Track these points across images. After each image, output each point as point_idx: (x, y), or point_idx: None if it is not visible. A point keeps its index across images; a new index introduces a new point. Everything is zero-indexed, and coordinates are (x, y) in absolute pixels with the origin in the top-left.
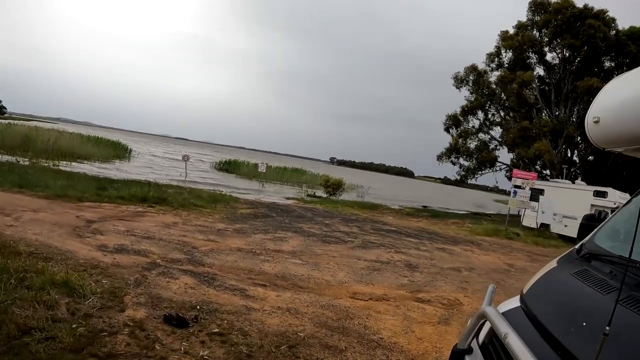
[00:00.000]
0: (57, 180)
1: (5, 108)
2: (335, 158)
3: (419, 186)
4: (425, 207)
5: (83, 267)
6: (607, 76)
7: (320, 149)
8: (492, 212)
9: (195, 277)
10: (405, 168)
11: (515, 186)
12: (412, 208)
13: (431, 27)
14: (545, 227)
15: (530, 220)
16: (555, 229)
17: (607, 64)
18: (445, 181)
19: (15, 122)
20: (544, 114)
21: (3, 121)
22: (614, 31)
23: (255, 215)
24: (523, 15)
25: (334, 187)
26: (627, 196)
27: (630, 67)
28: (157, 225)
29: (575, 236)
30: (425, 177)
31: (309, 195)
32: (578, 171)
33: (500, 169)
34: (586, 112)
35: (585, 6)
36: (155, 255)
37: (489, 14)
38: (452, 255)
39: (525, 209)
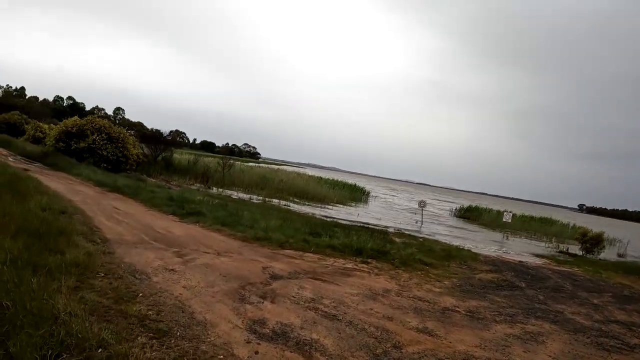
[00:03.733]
0: (271, 219)
1: (259, 154)
2: (584, 205)
3: None
4: None
5: None
6: None
7: (567, 194)
8: None
9: None
10: None
11: None
12: None
13: None
14: None
15: None
16: None
17: None
18: None
19: (264, 165)
20: None
21: (253, 164)
22: None
23: (497, 285)
24: None
25: (592, 242)
26: None
27: None
28: (360, 294)
29: None
30: None
31: (560, 252)
32: None
33: None
34: None
35: None
36: (323, 359)
37: None
38: None
39: None
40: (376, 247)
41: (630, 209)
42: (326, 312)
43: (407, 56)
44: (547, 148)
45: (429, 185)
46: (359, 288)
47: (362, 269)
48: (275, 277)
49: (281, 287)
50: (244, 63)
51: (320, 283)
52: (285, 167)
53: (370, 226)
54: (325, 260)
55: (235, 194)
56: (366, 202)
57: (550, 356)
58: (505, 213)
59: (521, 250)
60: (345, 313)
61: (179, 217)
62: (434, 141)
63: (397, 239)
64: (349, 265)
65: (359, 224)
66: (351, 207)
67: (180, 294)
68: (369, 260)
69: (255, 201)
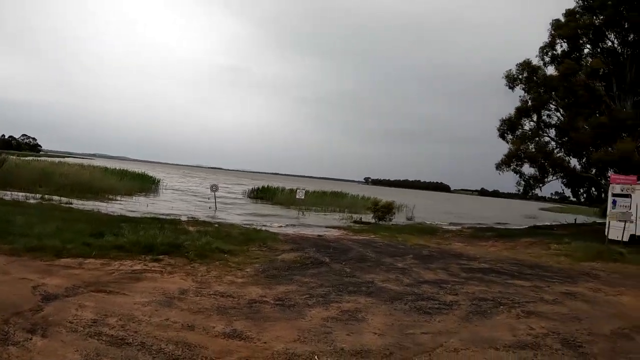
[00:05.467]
0: (48, 222)
1: (40, 146)
2: (369, 178)
3: (458, 200)
4: (483, 225)
5: None
6: None
7: (355, 170)
8: (554, 224)
9: None
10: (441, 182)
11: (615, 195)
12: (471, 228)
13: (470, 40)
14: (636, 238)
15: (617, 232)
16: None
17: None
18: (482, 193)
19: (45, 158)
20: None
21: (31, 158)
22: None
23: (302, 264)
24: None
25: (384, 210)
26: None
27: None
28: (152, 302)
29: None
30: (461, 190)
31: (355, 222)
32: None
33: (558, 177)
34: None
35: None
36: None
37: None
38: (590, 303)
39: (626, 221)
40: (168, 240)
41: (410, 179)
42: (112, 335)
43: (210, 42)
44: (344, 128)
45: (222, 169)
46: (151, 294)
47: (153, 268)
48: (48, 297)
49: (56, 310)
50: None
51: (104, 296)
52: (69, 160)
53: (161, 217)
54: (110, 264)
55: (8, 195)
56: (157, 191)
57: (375, 333)
58: (298, 190)
59: (319, 224)
60: (136, 332)
61: None
62: (232, 126)
63: (191, 228)
64: (138, 267)
65: (149, 216)
66: (141, 198)
67: None
68: (161, 257)
69: (32, 201)
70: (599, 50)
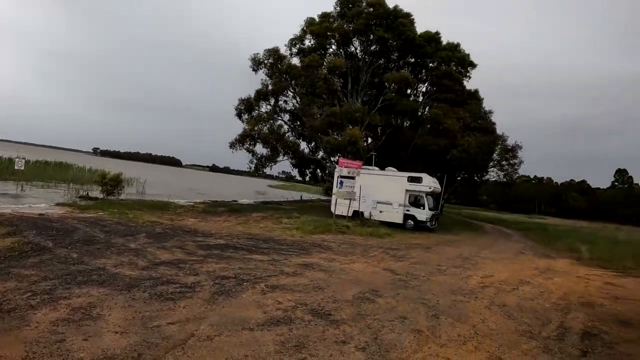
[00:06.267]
0: None
1: None
2: (98, 148)
3: (190, 175)
4: (216, 201)
5: None
6: (413, 70)
7: (83, 139)
8: (281, 200)
9: None
10: (173, 157)
11: (342, 176)
12: (203, 203)
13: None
14: (358, 214)
15: (342, 208)
16: (372, 215)
17: (410, 59)
18: (213, 169)
19: None
20: (344, 102)
21: None
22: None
23: (21, 252)
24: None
25: (112, 184)
26: (437, 181)
27: (426, 63)
28: None
29: (392, 221)
30: (193, 165)
31: (82, 197)
32: (376, 159)
33: (288, 158)
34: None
35: (396, 7)
36: None
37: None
38: (327, 272)
39: (351, 199)
40: None
41: (142, 152)
42: None
43: None
44: (69, 92)
45: None
46: None
47: None
48: None
49: None
50: None
51: None
52: None
53: None
54: None
55: None
56: None
57: (116, 332)
58: (17, 160)
59: (40, 200)
60: None
61: None
62: None
63: None
64: None
65: None
66: None
67: None
68: None
69: None
70: (343, 52)
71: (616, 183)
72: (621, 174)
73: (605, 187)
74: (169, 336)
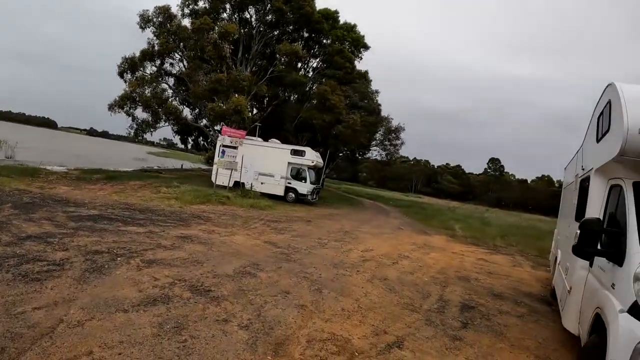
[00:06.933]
0: None
1: None
2: None
3: (66, 139)
4: (91, 168)
5: None
6: (307, 45)
7: None
8: (161, 168)
9: None
10: (48, 118)
11: (224, 145)
12: (78, 169)
13: None
14: (239, 185)
15: (223, 178)
16: (253, 186)
17: (305, 34)
18: (91, 132)
19: None
20: (232, 70)
21: None
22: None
23: None
24: None
25: None
26: (319, 156)
27: (321, 39)
28: None
29: (273, 193)
30: (69, 127)
31: None
32: (261, 130)
33: (170, 124)
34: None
35: None
36: None
37: None
38: (207, 245)
39: (232, 169)
40: None
41: (15, 111)
42: None
43: None
44: None
45: None
46: None
47: None
48: None
49: None
50: None
51: None
52: None
53: None
54: None
55: None
56: None
57: None
58: None
59: None
60: None
61: None
62: None
63: None
64: None
65: None
66: None
67: None
68: None
69: None
70: (237, 18)
71: (489, 170)
72: (494, 162)
73: (478, 173)
74: (35, 324)
